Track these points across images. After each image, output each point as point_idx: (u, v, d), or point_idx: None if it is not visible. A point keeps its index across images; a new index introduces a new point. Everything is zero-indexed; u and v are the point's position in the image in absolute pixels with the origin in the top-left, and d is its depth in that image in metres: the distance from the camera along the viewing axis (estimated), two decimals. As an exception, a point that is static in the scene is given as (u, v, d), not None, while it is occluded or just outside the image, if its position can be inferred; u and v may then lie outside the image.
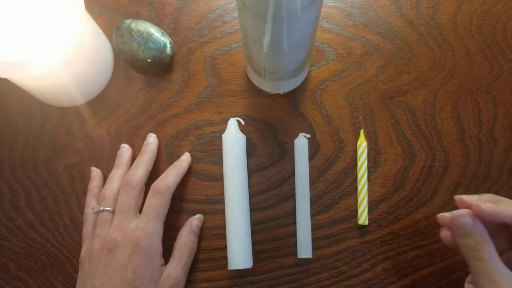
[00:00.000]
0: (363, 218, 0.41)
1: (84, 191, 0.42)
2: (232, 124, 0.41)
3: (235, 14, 0.45)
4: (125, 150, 0.42)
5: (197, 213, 0.42)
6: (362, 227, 0.42)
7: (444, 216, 0.33)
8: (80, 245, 0.40)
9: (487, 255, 0.29)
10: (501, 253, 0.31)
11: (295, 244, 0.41)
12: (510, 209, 0.30)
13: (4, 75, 0.35)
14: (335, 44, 0.45)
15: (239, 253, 0.39)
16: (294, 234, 0.41)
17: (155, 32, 0.43)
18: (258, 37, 0.32)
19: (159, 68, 0.44)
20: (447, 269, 0.41)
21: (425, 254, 0.41)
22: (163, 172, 0.40)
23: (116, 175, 0.40)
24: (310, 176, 0.42)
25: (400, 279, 0.41)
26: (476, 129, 0.43)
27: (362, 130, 0.43)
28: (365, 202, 0.41)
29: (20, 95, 0.44)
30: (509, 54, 0.45)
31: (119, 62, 0.45)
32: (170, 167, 0.41)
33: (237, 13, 0.34)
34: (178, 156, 0.43)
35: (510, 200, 0.32)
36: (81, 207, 0.42)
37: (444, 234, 0.34)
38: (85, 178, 0.43)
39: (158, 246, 0.37)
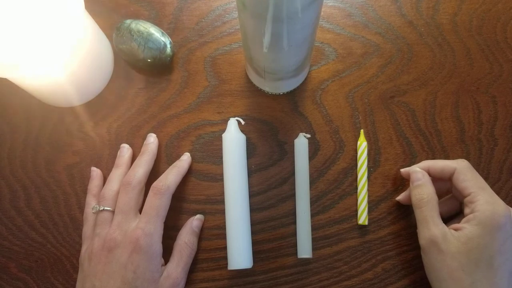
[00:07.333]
0: (363, 218, 0.41)
1: (84, 191, 0.42)
2: (232, 124, 0.41)
3: (235, 14, 0.45)
4: (125, 150, 0.42)
5: (197, 213, 0.42)
6: (362, 227, 0.42)
7: (405, 170, 0.41)
8: (80, 245, 0.40)
9: (428, 206, 0.37)
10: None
11: (295, 244, 0.41)
12: (421, 165, 0.40)
13: (4, 75, 0.35)
14: (335, 44, 0.45)
15: (239, 253, 0.39)
16: (294, 234, 0.41)
17: (155, 32, 0.43)
18: (258, 37, 0.32)
19: (159, 68, 0.43)
20: (447, 269, 0.41)
21: (425, 254, 0.41)
22: (163, 172, 0.40)
23: (116, 175, 0.40)
24: (310, 176, 0.42)
25: (400, 279, 0.41)
26: (476, 129, 0.43)
27: (362, 130, 0.43)
28: (365, 202, 0.41)
29: (20, 95, 0.44)
30: (509, 54, 0.45)
31: (119, 62, 0.45)
32: (170, 167, 0.41)
33: (237, 13, 0.34)
34: (178, 156, 0.43)
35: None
36: (81, 207, 0.42)
37: (401, 196, 0.41)
38: (85, 178, 0.43)
39: (158, 246, 0.37)
